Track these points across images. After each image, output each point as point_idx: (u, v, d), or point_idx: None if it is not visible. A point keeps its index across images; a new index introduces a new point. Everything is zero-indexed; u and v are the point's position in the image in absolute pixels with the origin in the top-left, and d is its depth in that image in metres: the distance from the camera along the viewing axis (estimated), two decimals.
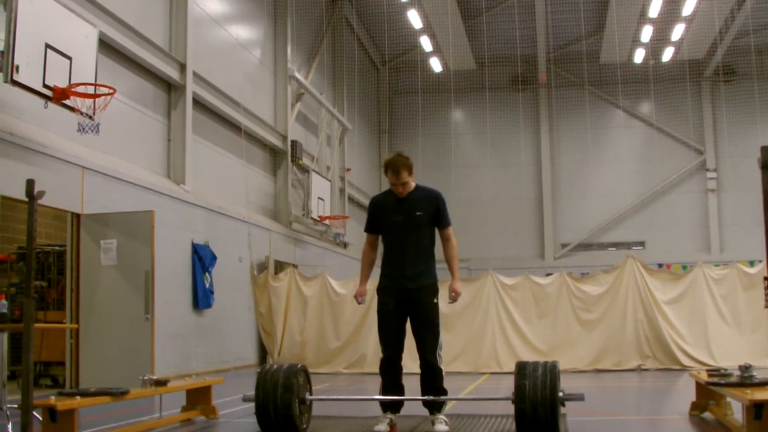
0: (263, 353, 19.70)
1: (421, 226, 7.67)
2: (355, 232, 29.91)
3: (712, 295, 17.26)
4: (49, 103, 11.40)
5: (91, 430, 8.38)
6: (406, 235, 7.67)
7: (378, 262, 7.94)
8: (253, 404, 7.32)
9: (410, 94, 35.61)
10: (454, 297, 7.72)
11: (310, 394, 7.65)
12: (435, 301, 7.65)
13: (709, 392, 8.45)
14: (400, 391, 7.68)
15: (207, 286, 17.45)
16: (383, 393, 7.66)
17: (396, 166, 7.64)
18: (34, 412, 6.84)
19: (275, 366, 7.53)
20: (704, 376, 8.38)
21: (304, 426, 7.48)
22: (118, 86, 13.19)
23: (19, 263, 15.31)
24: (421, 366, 7.60)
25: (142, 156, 16.18)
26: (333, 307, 18.18)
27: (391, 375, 7.64)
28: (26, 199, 6.03)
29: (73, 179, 13.20)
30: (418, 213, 7.67)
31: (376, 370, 7.77)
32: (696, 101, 35.58)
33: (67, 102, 11.57)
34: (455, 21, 30.07)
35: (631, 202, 35.94)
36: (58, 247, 15.15)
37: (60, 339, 13.81)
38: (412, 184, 7.82)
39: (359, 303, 7.98)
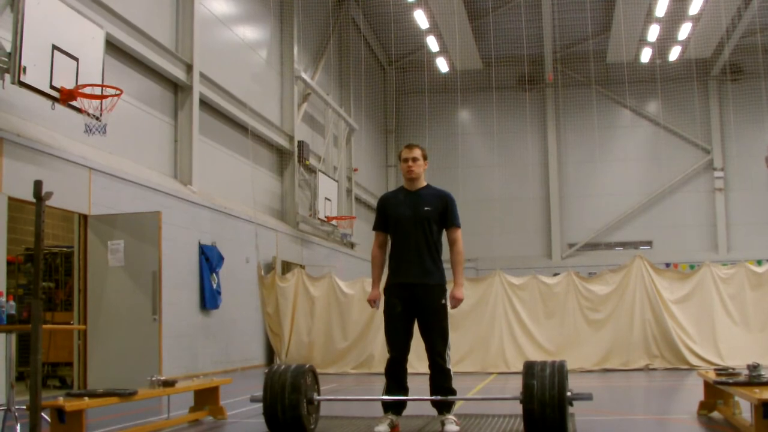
0: (271, 354, 19.71)
1: (430, 222, 7.65)
2: (363, 232, 29.93)
3: (719, 295, 17.23)
4: (56, 105, 11.43)
5: (99, 431, 8.40)
6: (415, 230, 7.64)
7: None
8: (261, 405, 7.32)
9: (417, 94, 35.61)
10: (454, 304, 7.70)
11: (318, 395, 7.65)
12: (443, 302, 7.61)
13: (718, 391, 8.44)
14: (405, 392, 7.67)
15: (214, 286, 17.47)
16: (387, 394, 7.64)
17: (411, 143, 7.94)
18: (43, 413, 6.85)
19: (283, 366, 7.53)
20: (712, 376, 8.37)
21: (312, 426, 7.48)
22: (125, 87, 13.22)
23: (27, 264, 15.34)
24: (430, 367, 7.59)
25: (149, 157, 16.20)
26: (340, 307, 18.18)
27: (396, 376, 7.63)
28: (34, 201, 6.03)
29: (80, 180, 13.22)
30: (426, 208, 7.66)
31: (384, 370, 7.75)
32: (703, 100, 35.51)
33: (74, 103, 11.60)
34: (462, 21, 30.04)
35: (638, 202, 35.88)
36: (65, 249, 15.18)
37: (68, 340, 13.84)
38: (423, 181, 7.87)
39: (374, 307, 7.95)
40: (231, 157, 20.19)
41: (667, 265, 29.96)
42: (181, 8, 17.57)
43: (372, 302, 7.89)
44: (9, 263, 12.84)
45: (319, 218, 24.75)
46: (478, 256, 33.43)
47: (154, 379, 8.55)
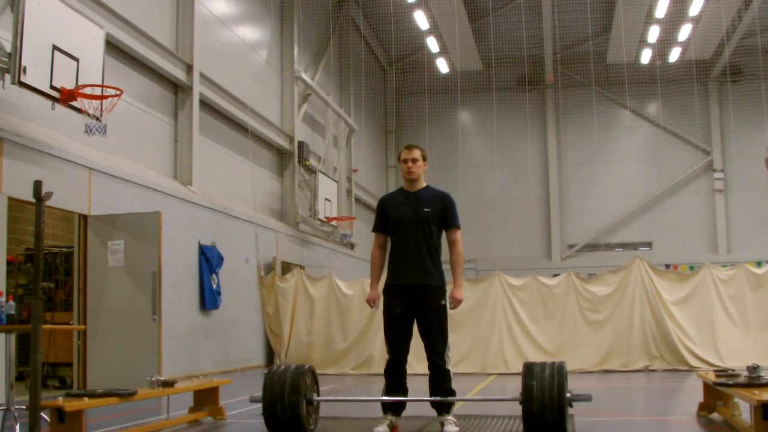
0: (270, 354, 19.71)
1: (429, 223, 7.65)
2: (362, 232, 29.93)
3: (719, 296, 17.24)
4: (57, 105, 11.43)
5: (98, 431, 8.40)
6: (415, 231, 7.64)
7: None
8: (260, 405, 7.32)
9: (417, 94, 35.61)
10: (453, 305, 7.70)
11: (318, 395, 7.65)
12: (442, 303, 7.60)
13: (717, 393, 8.44)
14: (404, 393, 7.66)
15: (214, 287, 17.47)
16: (386, 395, 7.64)
17: (411, 144, 7.92)
18: (42, 413, 6.85)
19: (282, 367, 7.53)
20: (712, 377, 8.37)
21: (312, 427, 7.48)
22: (125, 87, 13.22)
23: (27, 264, 15.34)
24: (430, 368, 7.59)
25: (149, 157, 16.21)
26: (340, 307, 18.18)
27: (395, 377, 7.63)
28: (34, 201, 6.03)
29: (80, 180, 13.22)
30: (426, 209, 7.66)
31: (383, 371, 7.75)
32: (703, 102, 35.52)
33: (74, 103, 11.60)
34: (462, 22, 30.04)
35: (638, 203, 35.89)
36: (65, 249, 15.18)
37: (67, 340, 13.84)
38: (423, 182, 7.88)
39: (372, 307, 7.95)
40: (231, 157, 20.19)
41: (667, 266, 29.99)
42: (181, 8, 17.57)
43: (370, 302, 7.90)
44: (9, 263, 12.85)
45: (318, 219, 24.75)
46: (477, 256, 33.44)
47: (153, 379, 8.55)
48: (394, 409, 7.62)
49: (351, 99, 30.69)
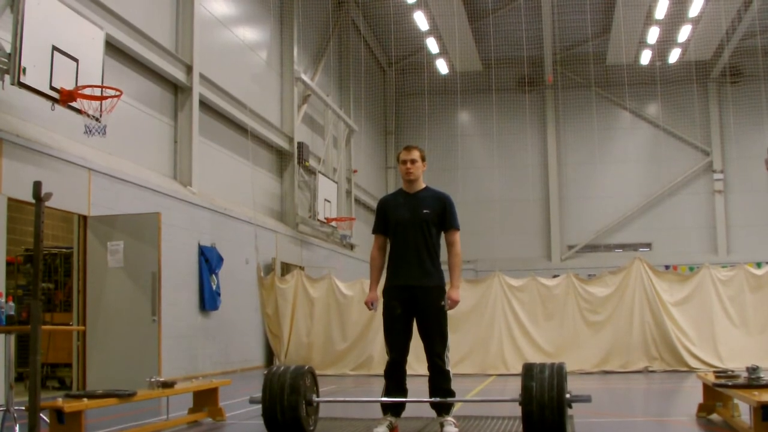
0: (270, 355, 19.71)
1: (429, 225, 7.65)
2: (362, 233, 29.92)
3: (719, 297, 17.24)
4: (56, 105, 11.42)
5: None
6: (414, 232, 7.64)
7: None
8: (260, 406, 7.32)
9: (417, 95, 35.61)
10: (450, 305, 7.68)
11: (317, 396, 7.65)
12: (442, 304, 7.60)
13: (717, 394, 8.44)
14: (404, 394, 7.66)
15: (214, 287, 17.47)
16: (386, 395, 7.63)
17: (410, 145, 7.92)
18: (42, 414, 6.85)
19: (282, 367, 7.53)
20: (711, 378, 8.38)
21: (311, 428, 7.48)
22: (125, 88, 13.22)
23: (27, 265, 15.33)
24: (429, 368, 7.58)
25: (148, 158, 16.20)
26: (340, 308, 18.18)
27: (395, 378, 7.62)
28: (33, 201, 6.03)
29: (79, 181, 13.22)
30: (425, 211, 7.66)
31: (383, 371, 7.74)
32: (703, 102, 35.52)
33: (73, 104, 11.60)
34: (461, 22, 30.04)
35: (638, 204, 35.89)
36: (65, 249, 15.17)
37: (67, 341, 13.83)
38: (422, 183, 7.87)
39: (371, 309, 7.94)
40: (231, 158, 20.19)
41: (667, 267, 29.96)
42: (181, 9, 17.57)
43: (369, 304, 7.89)
44: (8, 264, 12.84)
45: (318, 219, 24.74)
46: (477, 257, 33.44)
47: (153, 380, 8.55)
48: (393, 409, 7.62)
49: (351, 100, 30.69)
